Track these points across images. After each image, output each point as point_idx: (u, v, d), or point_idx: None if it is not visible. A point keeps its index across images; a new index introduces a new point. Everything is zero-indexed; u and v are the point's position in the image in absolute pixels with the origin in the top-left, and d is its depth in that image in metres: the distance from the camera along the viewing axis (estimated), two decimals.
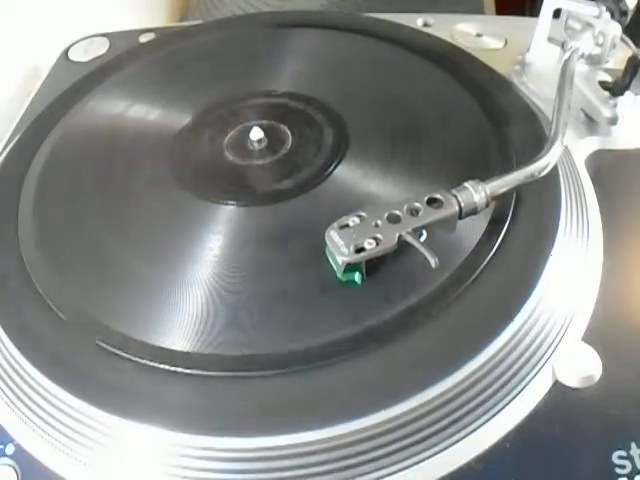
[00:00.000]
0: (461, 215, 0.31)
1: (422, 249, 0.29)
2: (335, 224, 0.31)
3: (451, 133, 0.38)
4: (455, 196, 0.31)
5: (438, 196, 0.31)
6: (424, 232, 0.31)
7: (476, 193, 0.31)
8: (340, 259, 0.30)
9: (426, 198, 0.31)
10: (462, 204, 0.31)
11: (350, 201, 0.34)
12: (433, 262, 0.29)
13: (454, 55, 0.44)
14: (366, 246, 0.30)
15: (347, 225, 0.30)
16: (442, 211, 0.31)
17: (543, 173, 0.32)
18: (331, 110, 0.40)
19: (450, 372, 0.28)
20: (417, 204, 0.31)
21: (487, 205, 0.31)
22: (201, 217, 0.35)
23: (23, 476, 0.28)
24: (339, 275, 0.30)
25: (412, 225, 0.30)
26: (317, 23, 0.48)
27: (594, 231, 0.34)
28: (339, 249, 0.30)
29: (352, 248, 0.30)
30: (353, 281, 0.31)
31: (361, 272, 0.30)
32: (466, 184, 0.31)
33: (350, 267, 0.30)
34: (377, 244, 0.30)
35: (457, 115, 0.40)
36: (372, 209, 0.31)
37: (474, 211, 0.31)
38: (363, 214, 0.31)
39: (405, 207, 0.31)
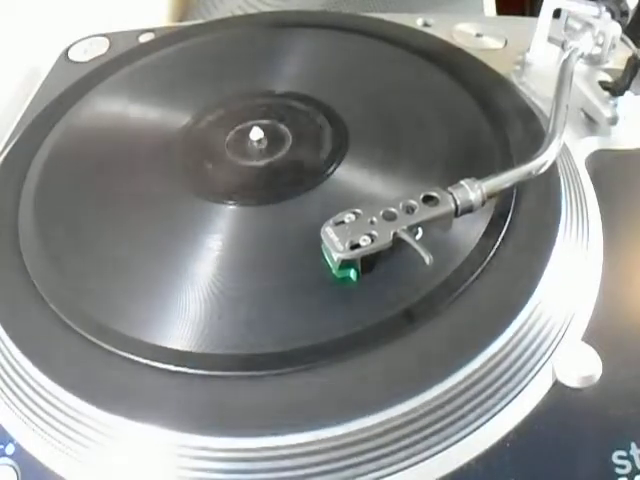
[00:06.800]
0: (457, 213, 0.31)
1: (416, 246, 0.29)
2: (331, 221, 0.31)
3: (451, 133, 0.38)
4: (451, 194, 0.31)
5: (434, 194, 0.31)
6: (420, 230, 0.31)
7: (472, 191, 0.31)
8: (335, 255, 0.30)
9: (422, 196, 0.31)
10: (458, 202, 0.31)
11: (350, 201, 0.33)
12: (427, 259, 0.29)
13: (454, 55, 0.44)
14: (361, 243, 0.30)
15: (343, 222, 0.31)
16: (438, 209, 0.31)
17: (541, 171, 0.32)
18: (331, 110, 0.40)
19: (450, 372, 0.28)
20: (413, 202, 0.31)
21: (483, 203, 0.31)
22: (201, 217, 0.35)
23: (23, 476, 0.28)
24: (334, 272, 0.30)
25: (407, 222, 0.30)
26: (317, 23, 0.48)
27: (594, 231, 0.34)
28: (334, 245, 0.30)
29: (347, 244, 0.30)
30: (348, 278, 0.31)
31: (356, 269, 0.30)
32: (462, 182, 0.31)
33: (345, 264, 0.30)
34: (372, 241, 0.30)
35: (457, 115, 0.40)
36: (368, 206, 0.31)
37: (470, 209, 0.31)
38: (359, 211, 0.31)
39: (401, 204, 0.31)
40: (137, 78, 0.46)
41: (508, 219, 0.33)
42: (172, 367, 0.29)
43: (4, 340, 0.31)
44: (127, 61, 0.47)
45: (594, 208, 0.35)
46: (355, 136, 0.38)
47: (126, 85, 0.45)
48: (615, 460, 0.27)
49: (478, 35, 0.49)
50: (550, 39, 0.42)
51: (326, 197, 0.35)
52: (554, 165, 0.33)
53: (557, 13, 0.41)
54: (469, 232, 0.32)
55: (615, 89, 0.40)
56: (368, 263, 0.30)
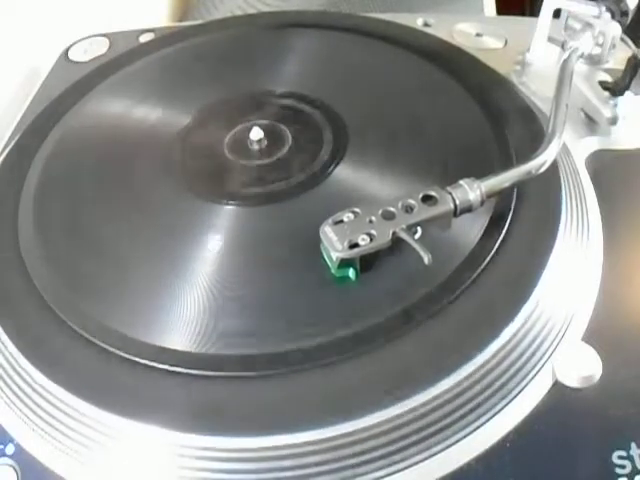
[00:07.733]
0: (456, 213, 0.31)
1: (415, 245, 0.29)
2: (330, 220, 0.31)
3: (451, 133, 0.38)
4: (450, 193, 0.31)
5: (433, 193, 0.31)
6: (419, 229, 0.31)
7: (471, 191, 0.31)
8: (334, 255, 0.30)
9: (421, 195, 0.31)
10: (457, 201, 0.31)
11: (349, 201, 0.33)
12: (426, 258, 0.29)
13: (454, 55, 0.44)
14: (360, 242, 0.30)
15: (342, 221, 0.31)
16: (436, 208, 0.31)
17: (540, 171, 0.32)
18: (331, 110, 0.40)
19: (450, 372, 0.28)
20: (412, 201, 0.31)
21: (482, 203, 0.31)
22: (201, 217, 0.35)
23: (23, 476, 0.28)
24: (333, 271, 0.30)
25: (406, 222, 0.30)
26: (316, 23, 0.48)
27: (594, 231, 0.34)
28: (333, 245, 0.30)
29: (346, 244, 0.30)
30: (347, 277, 0.31)
31: (355, 268, 0.30)
32: (461, 182, 0.31)
33: (344, 263, 0.30)
34: (371, 240, 0.30)
35: (457, 115, 0.40)
36: (367, 205, 0.31)
37: (469, 209, 0.31)
38: (358, 210, 0.31)
39: (400, 204, 0.31)
40: (137, 78, 0.46)
41: (508, 219, 0.33)
42: (171, 367, 0.29)
43: (4, 340, 0.31)
44: (127, 61, 0.47)
45: (594, 208, 0.35)
46: (354, 136, 0.38)
47: (126, 85, 0.45)
48: (615, 460, 0.27)
49: (478, 35, 0.49)
50: (550, 39, 0.42)
51: (326, 197, 0.35)
52: (554, 165, 0.33)
53: (557, 13, 0.41)
54: (469, 232, 0.32)
55: (615, 89, 0.40)
56: (367, 262, 0.30)
